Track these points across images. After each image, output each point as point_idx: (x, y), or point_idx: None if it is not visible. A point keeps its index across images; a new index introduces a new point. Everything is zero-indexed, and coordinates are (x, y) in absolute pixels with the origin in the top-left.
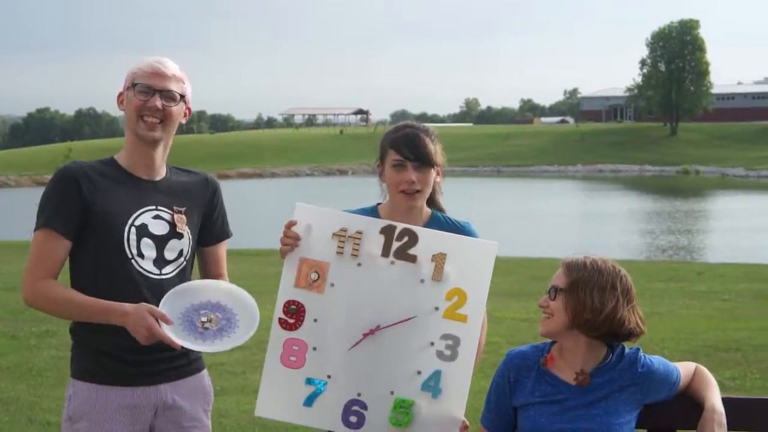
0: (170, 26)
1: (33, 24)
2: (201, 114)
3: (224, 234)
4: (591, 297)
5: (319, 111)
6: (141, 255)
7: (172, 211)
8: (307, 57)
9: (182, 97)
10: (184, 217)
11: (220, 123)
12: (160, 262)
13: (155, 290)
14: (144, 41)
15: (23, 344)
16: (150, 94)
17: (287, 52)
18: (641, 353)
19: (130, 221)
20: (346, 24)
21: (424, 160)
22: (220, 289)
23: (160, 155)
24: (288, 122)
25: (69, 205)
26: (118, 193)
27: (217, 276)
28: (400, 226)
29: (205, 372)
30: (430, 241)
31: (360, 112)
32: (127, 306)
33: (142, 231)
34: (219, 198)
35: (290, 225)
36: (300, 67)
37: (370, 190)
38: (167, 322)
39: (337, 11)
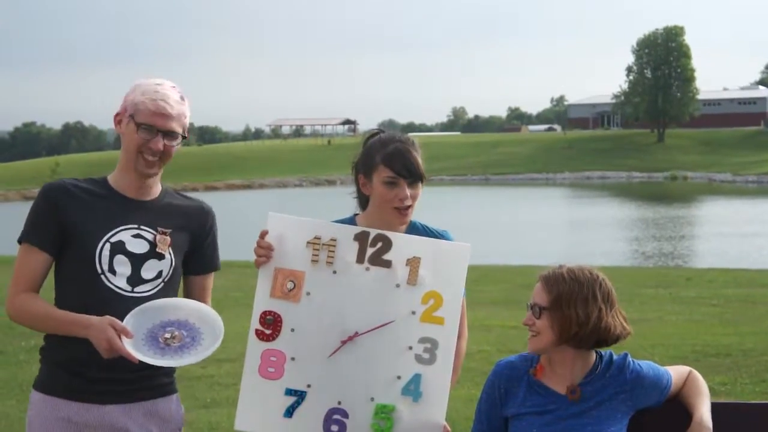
0: (156, 38)
1: (18, 38)
2: (189, 126)
3: (213, 265)
4: (576, 311)
5: (307, 122)
6: (113, 271)
7: (156, 231)
8: (294, 68)
9: (182, 131)
10: (168, 238)
11: (208, 135)
12: (135, 279)
13: (127, 307)
14: (130, 54)
15: (12, 359)
16: (153, 134)
17: (274, 63)
18: (629, 359)
19: (105, 237)
20: (333, 34)
21: (417, 177)
22: (189, 307)
23: (153, 180)
24: (276, 133)
25: (46, 220)
26: (97, 210)
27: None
28: (373, 232)
29: (172, 397)
30: (403, 245)
31: (348, 122)
32: (93, 318)
33: (117, 248)
34: (213, 227)
35: (263, 235)
36: (287, 78)
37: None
38: (127, 335)
39: (324, 21)
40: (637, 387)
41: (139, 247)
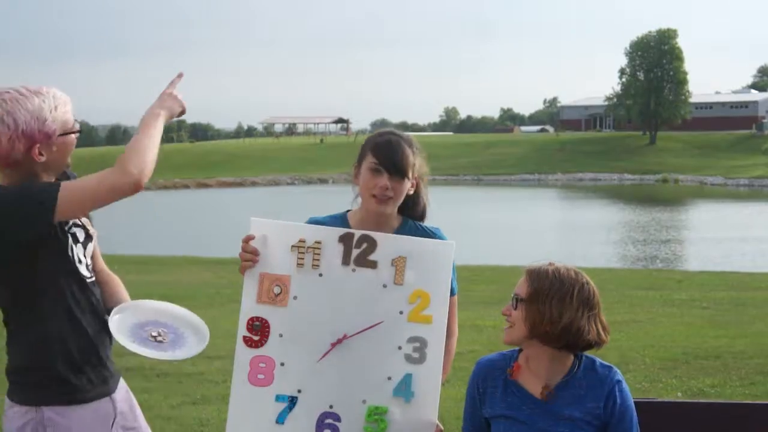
0: (149, 34)
1: (12, 32)
2: (181, 123)
3: None
4: (550, 307)
5: (300, 120)
6: (80, 261)
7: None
8: (287, 66)
9: None
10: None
11: (200, 132)
12: (89, 266)
13: (96, 293)
14: (123, 50)
15: None
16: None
17: (267, 60)
18: (624, 385)
19: (66, 228)
20: (326, 33)
21: (400, 172)
22: (154, 308)
23: None
24: (268, 131)
25: None
26: None
27: (100, 270)
28: (358, 233)
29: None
30: (388, 245)
31: (340, 120)
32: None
33: (74, 238)
34: None
35: (247, 240)
36: (280, 76)
37: (351, 198)
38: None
39: (318, 20)
40: (614, 421)
41: (81, 234)
